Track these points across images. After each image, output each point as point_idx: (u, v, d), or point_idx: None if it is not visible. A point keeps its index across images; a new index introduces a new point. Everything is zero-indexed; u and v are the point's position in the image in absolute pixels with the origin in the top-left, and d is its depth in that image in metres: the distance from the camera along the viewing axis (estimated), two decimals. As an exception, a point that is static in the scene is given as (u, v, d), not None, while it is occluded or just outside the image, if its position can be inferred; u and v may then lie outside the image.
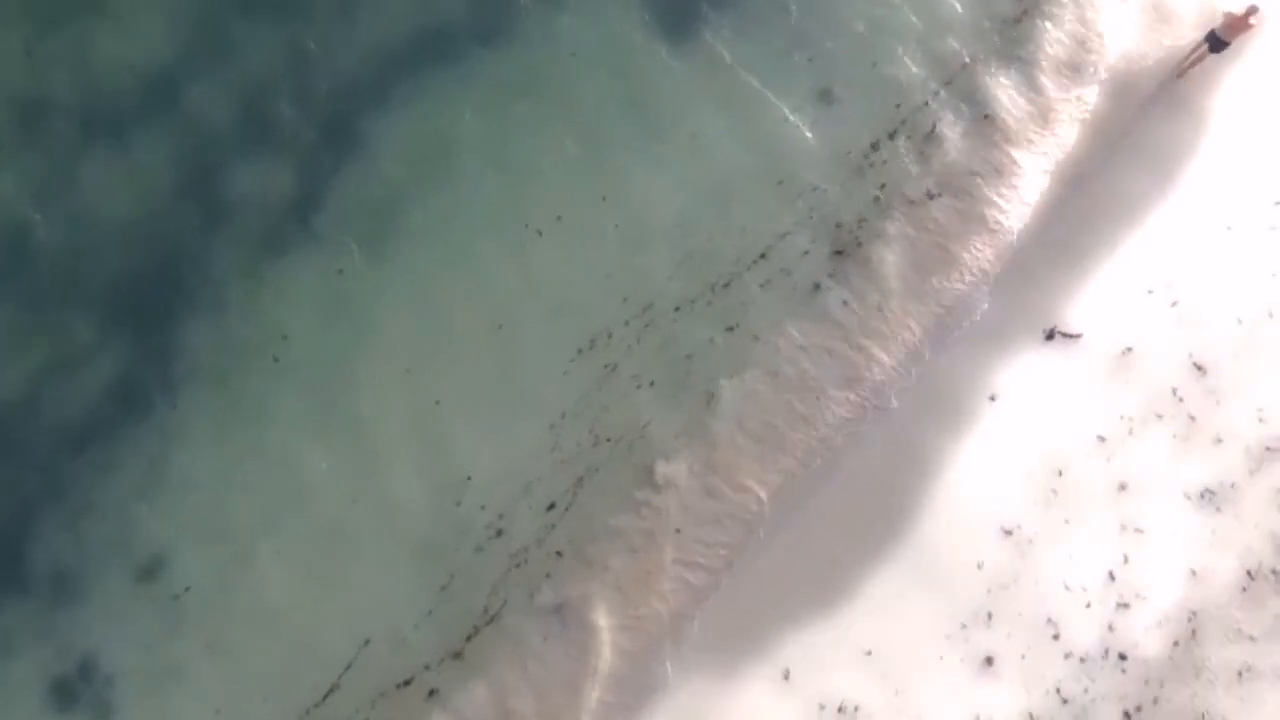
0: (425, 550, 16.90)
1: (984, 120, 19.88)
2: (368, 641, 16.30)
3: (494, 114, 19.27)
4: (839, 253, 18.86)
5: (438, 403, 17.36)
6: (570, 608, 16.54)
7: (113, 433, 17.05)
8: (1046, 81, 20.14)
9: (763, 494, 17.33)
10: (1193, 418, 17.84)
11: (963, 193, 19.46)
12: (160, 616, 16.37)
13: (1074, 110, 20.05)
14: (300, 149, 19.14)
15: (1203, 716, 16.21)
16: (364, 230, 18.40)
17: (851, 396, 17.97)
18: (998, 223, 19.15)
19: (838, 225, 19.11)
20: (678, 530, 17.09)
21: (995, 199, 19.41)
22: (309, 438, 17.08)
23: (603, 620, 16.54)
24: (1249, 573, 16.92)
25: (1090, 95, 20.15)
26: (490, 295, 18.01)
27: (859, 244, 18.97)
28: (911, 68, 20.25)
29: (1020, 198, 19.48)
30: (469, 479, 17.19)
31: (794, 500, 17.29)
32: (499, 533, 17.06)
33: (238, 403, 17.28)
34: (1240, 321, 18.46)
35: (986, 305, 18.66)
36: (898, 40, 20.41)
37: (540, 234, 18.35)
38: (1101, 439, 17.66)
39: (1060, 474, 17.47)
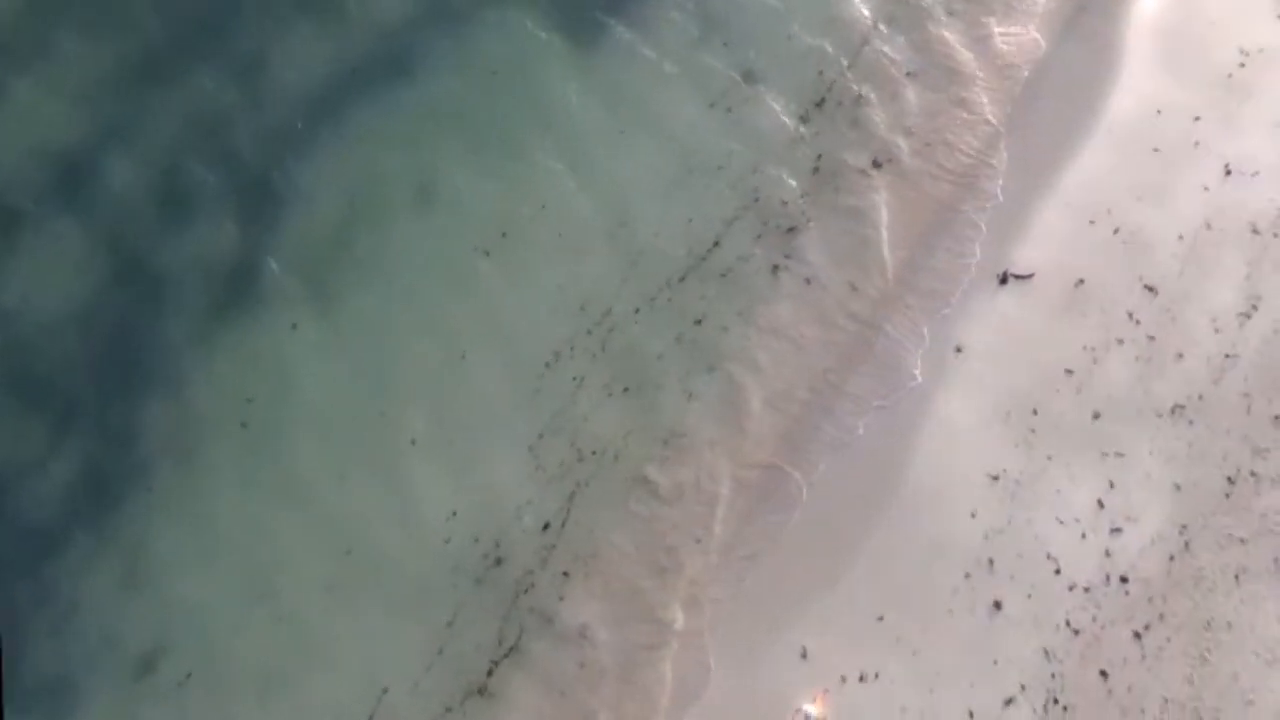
0: (423, 591, 16.74)
1: (908, 78, 20.16)
2: (385, 690, 16.10)
3: (422, 143, 19.26)
4: (792, 229, 18.99)
5: (413, 442, 17.21)
6: (593, 627, 16.49)
7: (88, 527, 16.72)
8: (967, 31, 20.48)
9: (755, 483, 17.41)
10: (1152, 338, 18.25)
11: (899, 151, 19.70)
12: (167, 709, 15.97)
13: (999, 56, 20.40)
14: (231, 209, 19.01)
15: (1208, 624, 16.59)
16: (310, 281, 18.26)
17: (829, 375, 18.08)
18: (938, 177, 19.41)
19: (784, 203, 19.25)
20: (686, 533, 17.13)
21: (930, 153, 19.68)
22: (289, 498, 16.87)
23: (627, 635, 16.53)
24: (1229, 479, 17.35)
25: (1015, 38, 20.49)
26: (449, 325, 17.93)
27: (810, 219, 19.11)
28: (826, 35, 20.45)
29: (955, 149, 19.78)
30: (454, 514, 17.05)
31: (787, 483, 17.39)
32: (497, 561, 16.94)
33: (212, 475, 17.02)
34: (1181, 237, 18.92)
35: (940, 261, 18.92)
36: (810, 9, 20.59)
37: (488, 254, 18.30)
38: (1069, 372, 18.00)
39: (1035, 413, 17.77)
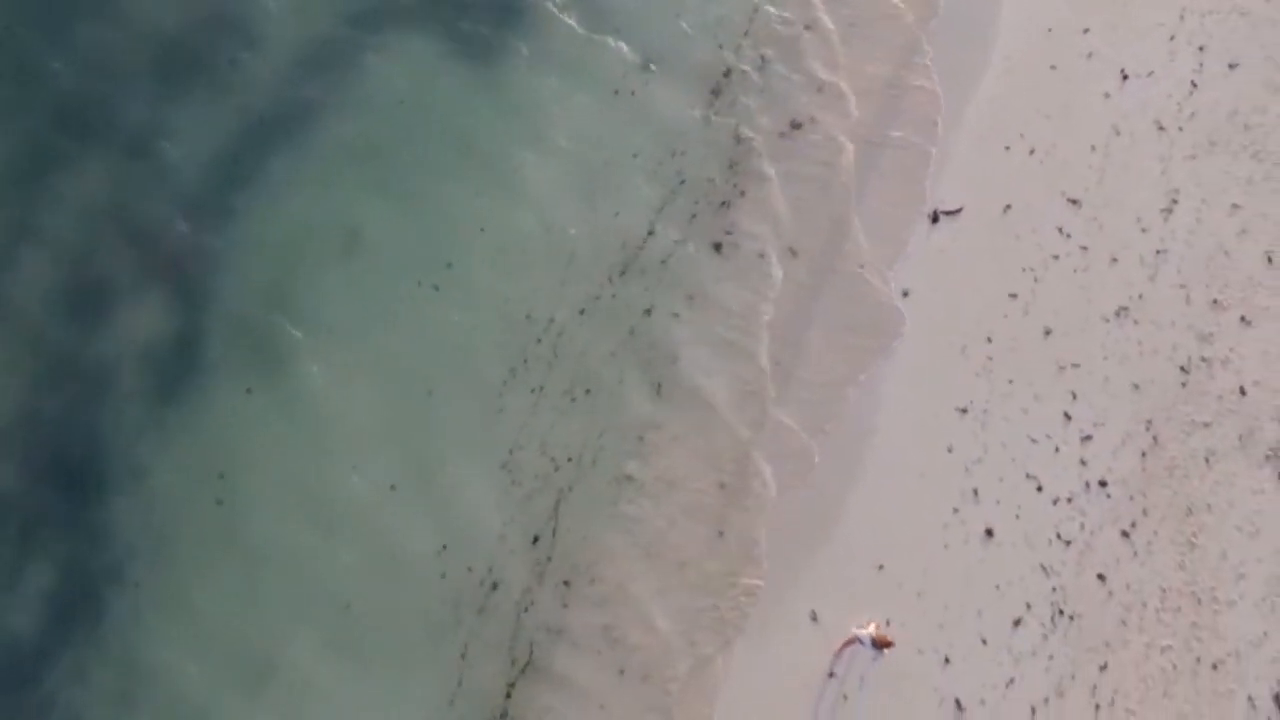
0: (429, 630, 16.61)
1: (808, 32, 20.42)
2: (412, 732, 16.00)
3: (343, 187, 19.01)
4: (725, 204, 19.16)
5: (393, 488, 17.04)
6: (602, 631, 16.54)
7: (77, 635, 16.28)
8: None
9: (735, 465, 17.55)
10: (1085, 248, 18.76)
11: (814, 109, 19.97)
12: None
13: (889, 4, 20.76)
14: (156, 287, 18.57)
15: (1189, 510, 17.15)
16: (256, 345, 17.93)
17: (790, 342, 18.29)
18: (856, 129, 19.71)
19: (710, 180, 19.39)
20: (680, 524, 17.24)
21: (841, 105, 19.96)
22: (277, 567, 16.61)
23: (639, 637, 16.59)
24: (1183, 369, 17.93)
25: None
26: (407, 364, 17.78)
27: (741, 192, 19.30)
28: (717, 6, 20.62)
29: (863, 98, 20.09)
30: (444, 548, 16.93)
31: (766, 457, 17.62)
32: (494, 586, 16.87)
33: (194, 559, 16.69)
34: (1094, 147, 19.46)
35: (876, 209, 19.23)
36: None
37: (437, 288, 18.16)
38: (1013, 295, 18.44)
39: (990, 340, 18.17)
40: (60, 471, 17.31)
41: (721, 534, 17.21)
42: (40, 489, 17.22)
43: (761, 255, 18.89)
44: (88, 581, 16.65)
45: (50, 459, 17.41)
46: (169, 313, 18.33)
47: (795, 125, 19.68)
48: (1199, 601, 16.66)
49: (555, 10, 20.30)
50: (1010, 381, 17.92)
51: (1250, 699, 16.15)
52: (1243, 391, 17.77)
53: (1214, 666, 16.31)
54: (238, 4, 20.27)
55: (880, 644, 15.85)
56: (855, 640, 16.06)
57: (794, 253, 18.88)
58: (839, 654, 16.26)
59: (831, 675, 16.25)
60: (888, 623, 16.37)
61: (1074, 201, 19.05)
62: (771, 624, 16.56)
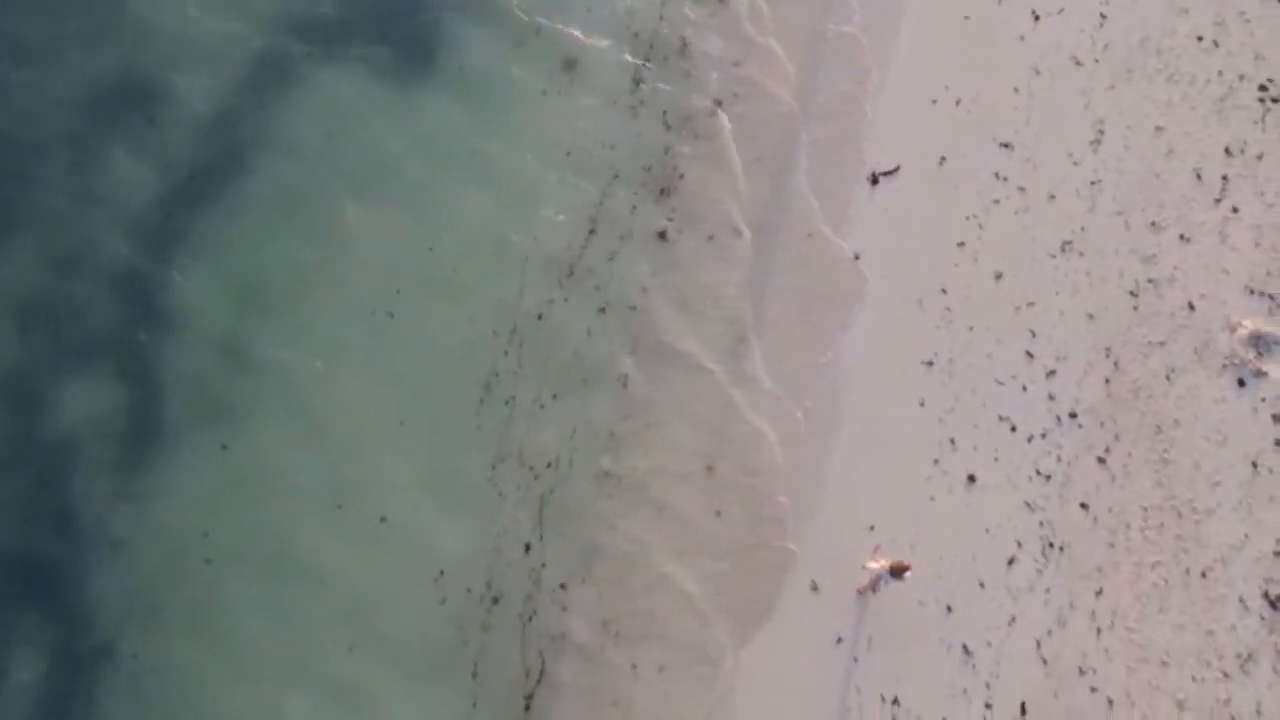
0: (438, 656, 16.58)
1: (719, 4, 20.60)
2: (432, 760, 15.95)
3: (283, 229, 18.81)
4: (664, 190, 19.29)
5: (383, 519, 16.95)
6: (604, 629, 16.62)
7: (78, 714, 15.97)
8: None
9: (710, 448, 17.71)
10: (1022, 189, 19.15)
11: (736, 84, 20.16)
12: None
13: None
14: (107, 357, 18.34)
15: (1158, 428, 17.61)
16: (221, 399, 17.77)
17: (750, 319, 18.46)
18: (776, 100, 19.94)
19: (646, 169, 19.49)
20: (663, 513, 17.33)
21: (763, 80, 20.18)
22: (275, 619, 16.45)
23: (643, 629, 16.69)
24: (1132, 293, 18.38)
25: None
26: (376, 398, 17.68)
27: (680, 175, 19.41)
28: (629, 6, 20.78)
29: (786, 73, 20.32)
30: (441, 573, 16.89)
31: (743, 439, 17.81)
32: (495, 600, 16.87)
33: (189, 622, 16.51)
34: (1016, 89, 19.86)
35: (813, 177, 19.47)
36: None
37: (392, 315, 18.05)
38: (961, 244, 18.77)
39: (944, 291, 18.49)
40: (34, 560, 17.04)
41: (719, 514, 17.38)
42: (14, 581, 16.91)
43: (710, 237, 19.03)
44: (80, 663, 16.40)
45: (20, 549, 17.13)
46: (123, 382, 18.08)
47: (719, 102, 19.84)
48: (1180, 515, 17.12)
49: (473, 21, 20.27)
50: (970, 329, 18.25)
51: (1241, 600, 16.64)
52: (1191, 307, 18.27)
53: (1203, 575, 16.78)
54: (146, 63, 20.02)
55: (897, 572, 15.90)
56: (876, 578, 16.28)
57: (739, 230, 19.06)
58: (865, 593, 16.48)
59: (839, 641, 16.47)
60: (876, 548, 16.64)
61: (1006, 145, 19.44)
62: (772, 599, 16.74)
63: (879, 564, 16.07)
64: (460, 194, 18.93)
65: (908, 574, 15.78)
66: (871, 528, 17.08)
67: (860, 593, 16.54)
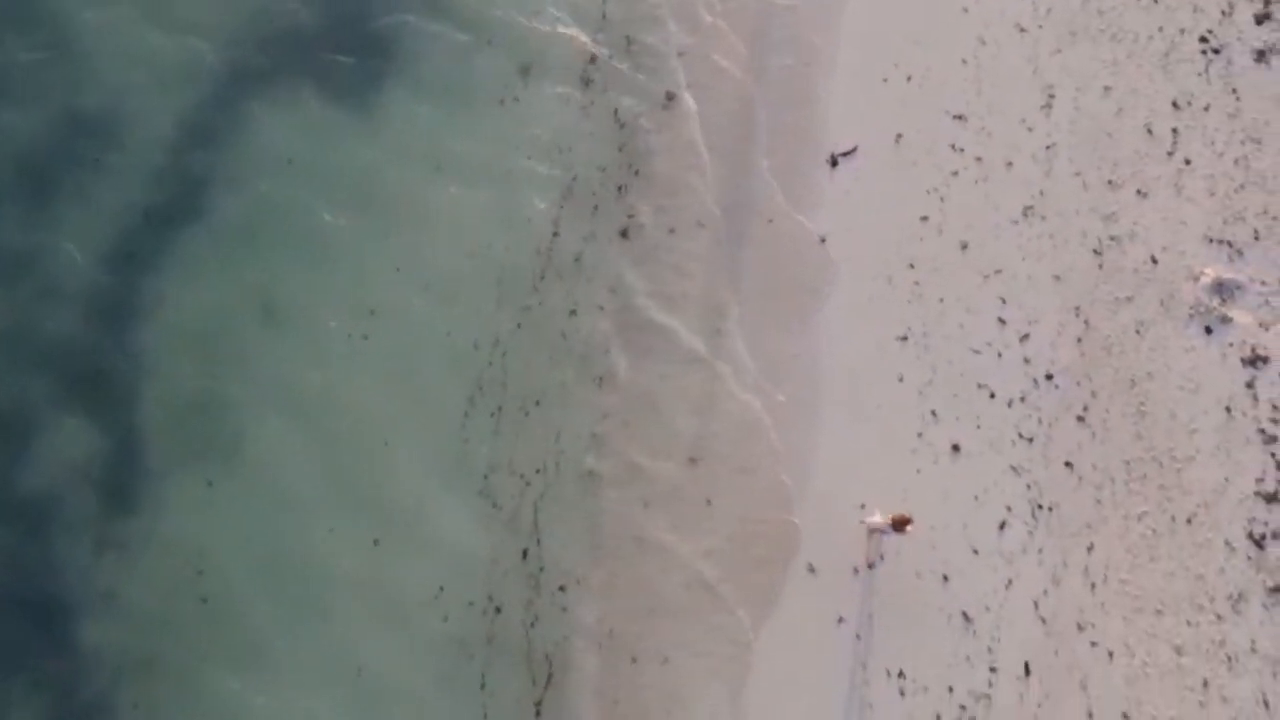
0: (445, 673, 16.64)
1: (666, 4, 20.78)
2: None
3: (245, 260, 18.80)
4: (622, 188, 19.38)
5: (376, 542, 16.93)
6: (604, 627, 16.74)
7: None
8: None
9: (689, 438, 17.83)
10: (979, 159, 19.38)
11: (687, 76, 20.25)
12: None
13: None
14: (82, 402, 18.10)
15: (1132, 382, 17.92)
16: (201, 436, 17.67)
17: (725, 310, 18.55)
18: (734, 92, 20.04)
19: (603, 169, 19.55)
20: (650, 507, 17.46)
21: (716, 66, 20.28)
22: (280, 647, 16.40)
23: (640, 626, 16.78)
24: (1095, 251, 18.66)
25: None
26: (357, 420, 17.61)
27: (636, 171, 19.50)
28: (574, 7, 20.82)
29: (736, 62, 20.43)
30: (441, 589, 16.89)
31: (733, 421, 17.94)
32: (497, 610, 16.91)
33: (191, 662, 16.44)
34: (965, 61, 20.06)
35: (765, 167, 19.61)
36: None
37: (366, 338, 18.00)
38: (925, 218, 18.97)
39: (912, 266, 18.69)
40: (24, 617, 16.90)
41: (709, 502, 17.50)
42: (5, 639, 16.73)
43: (671, 230, 19.13)
44: (79, 717, 16.20)
45: (9, 607, 16.94)
46: (99, 427, 17.91)
47: (670, 96, 19.96)
48: (1161, 465, 17.43)
49: (425, 35, 20.20)
50: (941, 300, 18.46)
51: (1227, 542, 16.98)
52: (1154, 260, 18.59)
53: (1189, 521, 17.10)
54: (101, 92, 19.77)
55: (898, 525, 16.12)
56: (877, 533, 16.38)
57: (701, 222, 19.17)
58: (868, 548, 16.68)
59: (841, 621, 16.63)
60: (862, 506, 16.91)
61: (959, 117, 19.67)
62: (774, 587, 16.88)
63: (879, 519, 16.21)
64: (426, 209, 18.90)
65: (909, 527, 15.99)
66: (862, 506, 17.23)
67: (862, 566, 16.68)
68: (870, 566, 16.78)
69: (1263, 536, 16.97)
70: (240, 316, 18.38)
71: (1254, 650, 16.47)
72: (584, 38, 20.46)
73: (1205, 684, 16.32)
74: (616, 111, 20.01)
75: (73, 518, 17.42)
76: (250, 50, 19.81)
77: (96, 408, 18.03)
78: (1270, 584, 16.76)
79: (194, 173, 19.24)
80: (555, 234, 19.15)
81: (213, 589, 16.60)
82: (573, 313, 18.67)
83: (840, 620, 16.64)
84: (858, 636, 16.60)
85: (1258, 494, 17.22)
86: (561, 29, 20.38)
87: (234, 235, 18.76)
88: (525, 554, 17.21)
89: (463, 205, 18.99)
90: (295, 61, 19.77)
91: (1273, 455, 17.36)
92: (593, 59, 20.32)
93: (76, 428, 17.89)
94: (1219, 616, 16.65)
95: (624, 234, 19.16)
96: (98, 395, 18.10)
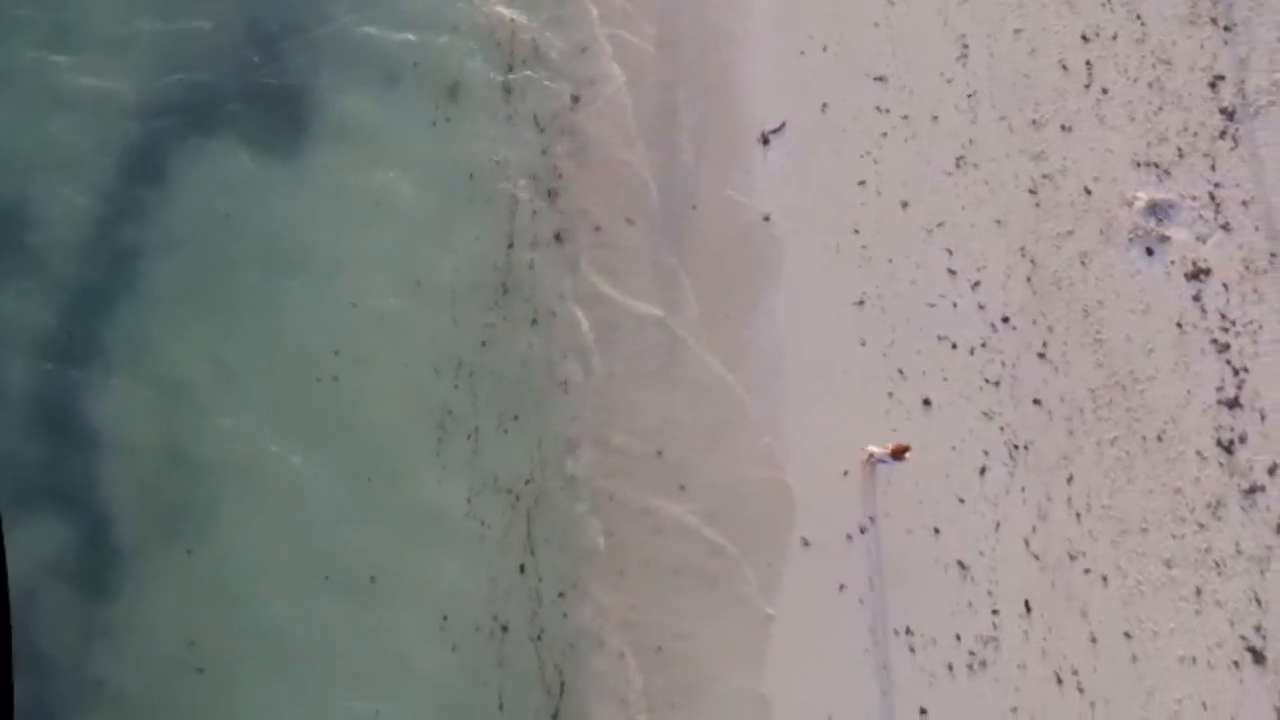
0: (461, 702, 16.46)
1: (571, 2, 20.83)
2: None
3: (190, 321, 18.33)
4: (552, 192, 19.41)
5: (373, 579, 16.75)
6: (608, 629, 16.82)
7: None
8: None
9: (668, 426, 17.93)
10: (905, 117, 19.66)
11: (594, 71, 20.33)
12: None
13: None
14: (41, 495, 17.61)
15: (1085, 312, 18.33)
16: (174, 506, 17.29)
17: (678, 304, 18.64)
18: (659, 82, 20.13)
19: (533, 177, 19.55)
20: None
21: (639, 59, 20.35)
22: (289, 706, 16.10)
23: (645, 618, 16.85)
24: (1031, 191, 19.04)
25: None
26: (337, 462, 17.39)
27: (560, 174, 19.55)
28: (478, 10, 20.75)
29: (652, 52, 20.50)
30: (445, 619, 16.76)
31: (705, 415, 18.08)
32: (504, 629, 16.83)
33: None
34: (877, 24, 20.32)
35: (694, 153, 19.73)
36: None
37: (337, 379, 17.80)
38: (862, 183, 19.22)
39: (857, 231, 18.92)
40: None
41: (683, 487, 17.59)
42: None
43: (598, 228, 19.18)
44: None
45: None
46: (66, 519, 17.42)
47: (575, 98, 20.05)
48: (1124, 388, 17.87)
49: (346, 69, 20.00)
50: (890, 261, 18.72)
51: (1199, 452, 17.47)
52: (1088, 191, 19.03)
53: (1159, 439, 17.56)
54: (3, 190, 19.21)
55: (898, 453, 16.45)
56: (877, 462, 16.69)
57: (633, 219, 19.19)
58: (866, 478, 17.11)
59: (841, 589, 16.81)
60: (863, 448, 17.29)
61: (880, 79, 19.93)
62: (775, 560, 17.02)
63: (880, 449, 16.56)
64: (373, 242, 18.72)
65: (908, 454, 16.41)
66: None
67: (865, 477, 17.21)
68: (841, 589, 16.87)
69: (1231, 442, 17.49)
70: (196, 381, 18.00)
71: (1239, 552, 16.97)
72: (499, 47, 20.39)
73: (1198, 592, 16.79)
74: (536, 117, 20.00)
75: (53, 614, 16.97)
76: (164, 110, 19.36)
77: (58, 499, 17.55)
78: (1244, 486, 17.28)
79: (124, 243, 18.80)
80: (510, 245, 19.08)
81: (208, 658, 16.29)
82: (534, 322, 18.63)
83: (841, 588, 16.82)
84: (861, 602, 16.80)
85: (1220, 402, 17.74)
86: (477, 42, 20.28)
87: (176, 301, 18.35)
88: (523, 568, 17.16)
89: (411, 232, 18.82)
90: (212, 115, 19.37)
91: (1229, 363, 17.91)
92: (510, 67, 20.29)
93: (41, 523, 17.41)
94: (1201, 525, 17.13)
95: (558, 238, 19.16)
96: (57, 486, 17.61)
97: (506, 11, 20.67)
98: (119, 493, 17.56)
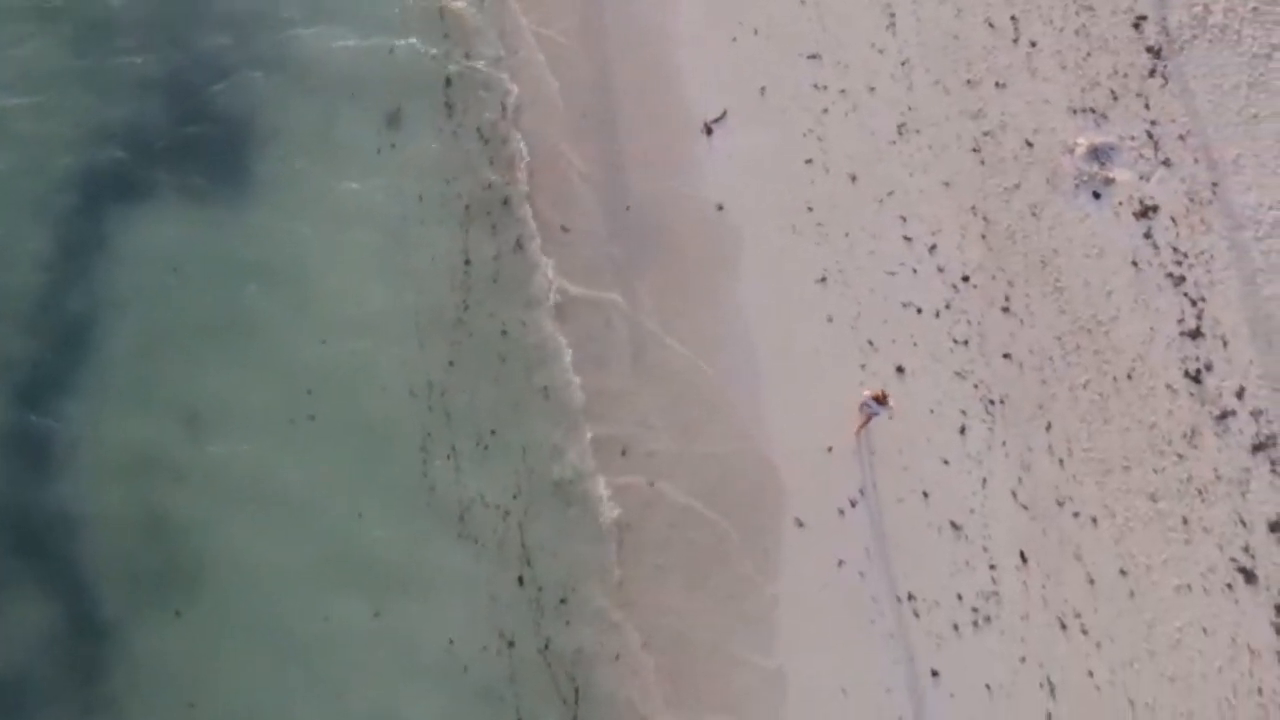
0: (478, 721, 16.41)
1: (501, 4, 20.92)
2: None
3: (158, 375, 18.20)
4: (506, 201, 19.51)
5: (376, 614, 16.61)
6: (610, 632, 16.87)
7: None
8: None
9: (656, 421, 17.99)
10: (843, 91, 19.85)
11: (523, 82, 20.48)
12: None
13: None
14: (20, 571, 17.25)
15: (1042, 262, 18.61)
16: (159, 569, 17.04)
17: (631, 305, 18.73)
18: (597, 82, 20.22)
19: (487, 186, 19.58)
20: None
21: (574, 62, 20.45)
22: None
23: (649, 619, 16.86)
24: (974, 149, 19.32)
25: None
26: (325, 497, 17.24)
27: (508, 183, 19.66)
28: (410, 29, 20.75)
29: (587, 53, 20.57)
30: (452, 642, 16.65)
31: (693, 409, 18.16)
32: (510, 644, 16.74)
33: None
34: (803, 2, 20.53)
35: (639, 149, 19.81)
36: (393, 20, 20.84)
37: (313, 418, 17.63)
38: (809, 161, 19.37)
39: (810, 209, 19.06)
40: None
41: (670, 480, 17.62)
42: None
43: (564, 228, 19.21)
44: None
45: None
46: (51, 593, 17.15)
47: (504, 108, 20.11)
48: (1089, 332, 18.18)
49: (286, 105, 19.95)
50: (847, 235, 18.88)
51: (1168, 386, 17.81)
52: (1029, 144, 19.34)
53: (1129, 377, 17.88)
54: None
55: (880, 400, 16.67)
56: (870, 415, 16.89)
57: (590, 218, 19.29)
58: (860, 433, 17.39)
59: (841, 564, 16.93)
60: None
61: (814, 56, 20.10)
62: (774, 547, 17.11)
63: (868, 393, 16.76)
64: (332, 275, 18.61)
65: (891, 400, 16.61)
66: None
67: (859, 433, 17.41)
68: (840, 564, 17.02)
69: (1198, 371, 17.85)
70: (168, 435, 17.76)
71: (1219, 477, 17.32)
72: (435, 65, 20.38)
73: (1185, 521, 17.11)
74: (479, 130, 19.98)
75: (49, 691, 16.62)
76: (104, 166, 19.25)
77: (40, 573, 17.26)
78: (1216, 412, 17.65)
79: (76, 307, 18.53)
80: (466, 262, 19.02)
81: (212, 714, 16.05)
82: (504, 333, 18.58)
83: (841, 563, 16.94)
84: (861, 574, 16.93)
85: (1182, 334, 18.10)
86: (412, 63, 20.24)
87: (138, 357, 18.13)
88: (521, 580, 17.11)
89: (369, 260, 18.80)
90: (154, 164, 19.27)
91: (1186, 295, 18.28)
92: (448, 82, 20.27)
93: (26, 600, 17.07)
94: (1180, 456, 17.47)
95: (517, 244, 19.13)
96: (37, 559, 17.31)
97: (441, 27, 20.67)
98: (100, 560, 17.24)
